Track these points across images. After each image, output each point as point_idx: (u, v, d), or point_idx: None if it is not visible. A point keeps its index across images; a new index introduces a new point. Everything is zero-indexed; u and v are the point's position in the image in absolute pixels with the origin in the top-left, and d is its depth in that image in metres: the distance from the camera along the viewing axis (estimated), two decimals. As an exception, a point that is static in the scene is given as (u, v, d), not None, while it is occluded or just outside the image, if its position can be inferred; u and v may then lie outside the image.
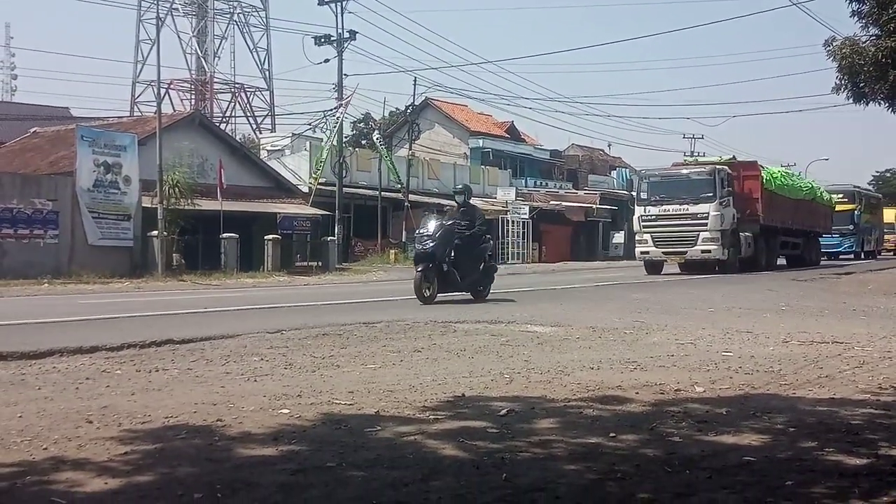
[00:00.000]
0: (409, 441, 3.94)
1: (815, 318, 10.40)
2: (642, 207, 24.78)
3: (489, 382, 5.58)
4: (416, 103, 42.73)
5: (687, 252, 23.88)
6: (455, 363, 6.47)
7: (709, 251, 23.71)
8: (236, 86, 53.04)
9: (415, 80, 41.76)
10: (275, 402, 4.82)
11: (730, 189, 24.37)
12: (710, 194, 23.74)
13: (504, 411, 4.59)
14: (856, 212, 40.66)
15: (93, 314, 10.43)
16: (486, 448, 3.79)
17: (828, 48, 17.29)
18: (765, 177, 26.80)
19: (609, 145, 58.83)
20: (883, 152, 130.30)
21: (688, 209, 24.00)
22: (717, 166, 24.88)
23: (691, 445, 3.88)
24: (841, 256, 40.70)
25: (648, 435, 4.08)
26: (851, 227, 40.46)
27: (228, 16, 51.54)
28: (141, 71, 50.52)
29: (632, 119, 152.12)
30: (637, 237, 25.25)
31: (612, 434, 4.07)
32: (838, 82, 17.34)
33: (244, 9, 52.48)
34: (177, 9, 50.45)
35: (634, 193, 26.59)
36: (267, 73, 53.48)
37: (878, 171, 75.32)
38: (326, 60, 34.78)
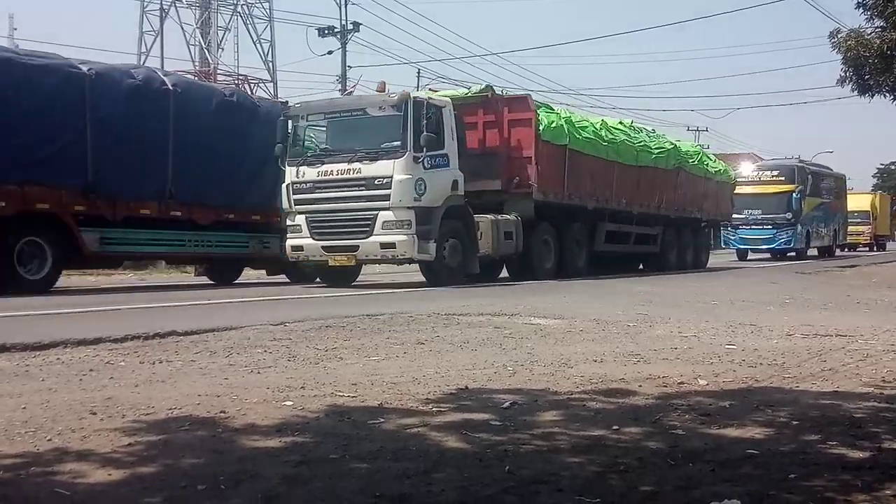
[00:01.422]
0: (412, 433, 3.94)
1: (819, 310, 10.39)
2: (294, 168, 14.59)
3: (492, 375, 5.58)
4: (420, 95, 42.58)
5: (359, 247, 14.12)
6: (458, 355, 6.47)
7: (392, 245, 13.92)
8: (240, 77, 52.92)
9: (418, 72, 41.79)
10: (278, 394, 4.83)
11: (439, 135, 14.23)
12: (398, 144, 13.84)
13: (507, 404, 4.59)
14: (794, 194, 31.29)
15: (96, 305, 10.44)
16: (490, 440, 3.80)
17: (833, 40, 17.26)
18: (544, 122, 16.61)
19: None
20: (888, 145, 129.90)
21: (360, 170, 14.05)
22: (418, 97, 14.61)
23: (694, 438, 3.88)
24: (777, 254, 32.85)
25: (651, 428, 4.08)
26: (789, 215, 31.31)
27: (232, 7, 51.38)
28: (144, 62, 50.34)
29: (636, 111, 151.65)
30: (288, 219, 14.92)
31: (615, 427, 4.07)
32: (843, 74, 17.32)
33: (248, 0, 52.39)
34: (181, 0, 50.40)
35: (280, 144, 14.75)
36: (270, 64, 53.38)
37: (882, 164, 75.13)
38: (330, 52, 34.84)
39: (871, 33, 17.00)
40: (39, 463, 3.40)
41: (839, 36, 17.13)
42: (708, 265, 24.99)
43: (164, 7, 46.19)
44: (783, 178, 32.19)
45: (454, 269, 14.64)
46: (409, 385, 5.16)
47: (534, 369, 5.80)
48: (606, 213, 19.08)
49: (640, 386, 5.19)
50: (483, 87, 17.24)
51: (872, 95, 17.59)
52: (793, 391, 5.10)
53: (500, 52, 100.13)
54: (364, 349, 6.74)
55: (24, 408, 4.43)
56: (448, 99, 15.36)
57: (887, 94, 17.72)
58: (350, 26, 34.45)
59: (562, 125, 17.21)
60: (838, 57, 17.15)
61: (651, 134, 22.42)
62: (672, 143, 22.63)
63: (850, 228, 43.40)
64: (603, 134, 18.93)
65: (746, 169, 33.40)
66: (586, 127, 18.46)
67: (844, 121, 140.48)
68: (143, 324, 7.70)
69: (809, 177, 33.78)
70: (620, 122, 21.05)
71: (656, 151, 21.09)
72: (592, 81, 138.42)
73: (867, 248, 47.47)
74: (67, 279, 16.12)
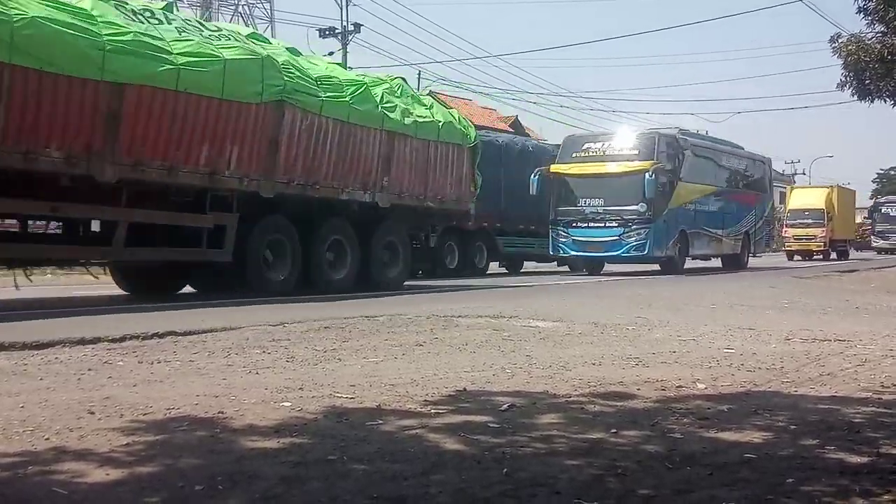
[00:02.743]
0: (410, 435, 3.94)
1: (818, 315, 10.40)
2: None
3: (491, 377, 5.58)
4: (420, 97, 42.60)
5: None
6: (457, 357, 6.47)
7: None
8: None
9: (419, 74, 41.60)
10: (276, 395, 4.83)
11: None
12: None
13: (505, 406, 4.59)
14: (647, 175, 20.23)
15: (94, 304, 10.43)
16: (488, 442, 3.80)
17: (833, 45, 17.27)
18: None
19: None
20: (888, 150, 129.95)
21: None
22: None
23: (692, 442, 3.88)
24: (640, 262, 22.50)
25: (650, 431, 4.08)
26: (641, 206, 20.55)
27: (233, 7, 51.45)
28: (145, 62, 50.41)
29: (636, 114, 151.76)
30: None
31: (613, 430, 4.07)
32: (843, 79, 17.34)
33: (249, 0, 52.40)
34: (181, 0, 50.41)
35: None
36: (271, 65, 53.32)
37: (882, 169, 74.90)
38: (331, 53, 34.72)
39: (871, 38, 17.02)
40: (37, 462, 3.39)
41: (840, 41, 17.15)
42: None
43: (166, 7, 46.12)
44: (636, 153, 21.15)
45: None
46: (408, 387, 5.16)
47: (532, 372, 5.80)
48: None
49: (639, 389, 5.19)
50: None
51: (872, 100, 17.60)
52: (791, 395, 5.10)
53: (501, 54, 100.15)
54: (363, 350, 6.74)
55: (23, 407, 4.43)
56: None
57: (887, 99, 17.73)
58: (351, 27, 34.48)
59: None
60: (839, 61, 17.17)
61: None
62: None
63: (796, 232, 37.82)
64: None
65: (574, 143, 22.42)
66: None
67: (844, 126, 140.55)
68: (141, 324, 7.70)
69: (685, 153, 22.56)
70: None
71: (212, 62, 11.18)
72: (592, 85, 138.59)
73: (821, 257, 37.82)
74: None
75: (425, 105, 15.87)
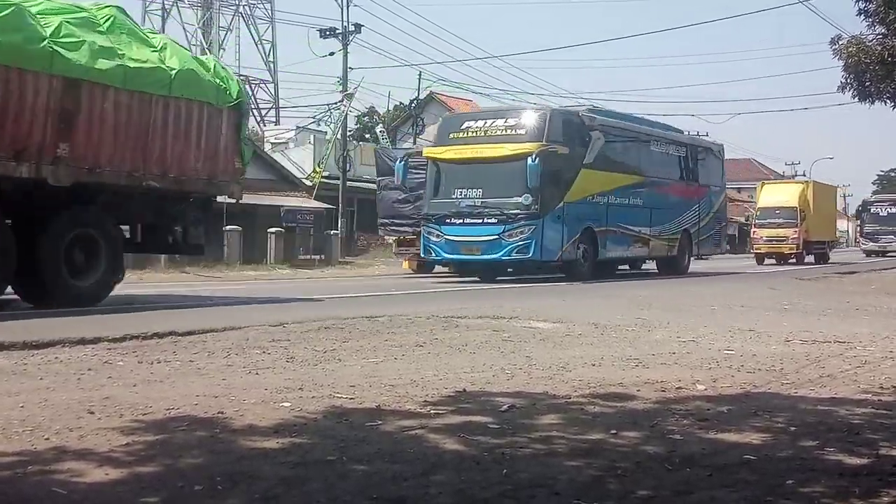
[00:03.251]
0: (410, 435, 3.94)
1: (818, 317, 10.39)
2: None
3: (491, 378, 5.58)
4: (421, 97, 42.68)
5: None
6: (457, 358, 6.47)
7: None
8: (241, 78, 52.94)
9: (419, 75, 41.55)
10: (276, 395, 4.83)
11: None
12: None
13: (505, 407, 4.59)
14: (531, 161, 16.69)
15: (94, 305, 10.43)
16: (487, 443, 3.80)
17: (834, 46, 17.27)
18: None
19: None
20: (889, 152, 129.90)
21: None
22: None
23: (692, 443, 3.88)
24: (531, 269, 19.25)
25: (649, 432, 4.08)
26: (527, 199, 16.93)
27: (234, 7, 51.47)
28: (146, 62, 50.43)
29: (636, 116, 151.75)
30: None
31: (613, 431, 4.07)
32: (844, 81, 17.33)
33: (250, 1, 52.44)
34: (182, 0, 50.43)
35: None
36: (272, 65, 53.44)
37: (882, 171, 74.82)
38: (331, 53, 34.76)
39: (872, 40, 17.01)
40: (37, 462, 3.40)
41: (840, 42, 17.14)
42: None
43: (166, 7, 46.24)
44: (522, 133, 17.24)
45: None
46: (408, 387, 5.16)
47: (532, 373, 5.80)
48: None
49: (639, 390, 5.19)
50: None
51: (873, 102, 17.60)
52: (791, 397, 5.10)
53: (501, 55, 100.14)
54: (363, 351, 6.74)
55: (23, 407, 4.43)
56: None
57: (888, 101, 17.73)
58: (352, 28, 34.42)
59: None
60: (839, 63, 17.17)
61: None
62: None
63: (766, 232, 33.62)
64: None
65: (452, 122, 19.04)
66: None
67: (845, 128, 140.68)
68: (142, 324, 7.70)
69: (592, 134, 18.41)
70: None
71: None
72: (592, 86, 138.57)
73: (795, 261, 33.26)
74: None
75: (152, 46, 11.26)
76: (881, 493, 3.15)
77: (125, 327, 7.35)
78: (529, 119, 17.89)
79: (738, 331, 8.40)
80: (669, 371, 5.94)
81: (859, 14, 16.83)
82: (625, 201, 19.96)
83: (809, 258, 34.78)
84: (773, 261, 33.77)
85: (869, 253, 45.15)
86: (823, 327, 8.87)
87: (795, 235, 33.40)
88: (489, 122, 18.03)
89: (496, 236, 17.15)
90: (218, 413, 4.34)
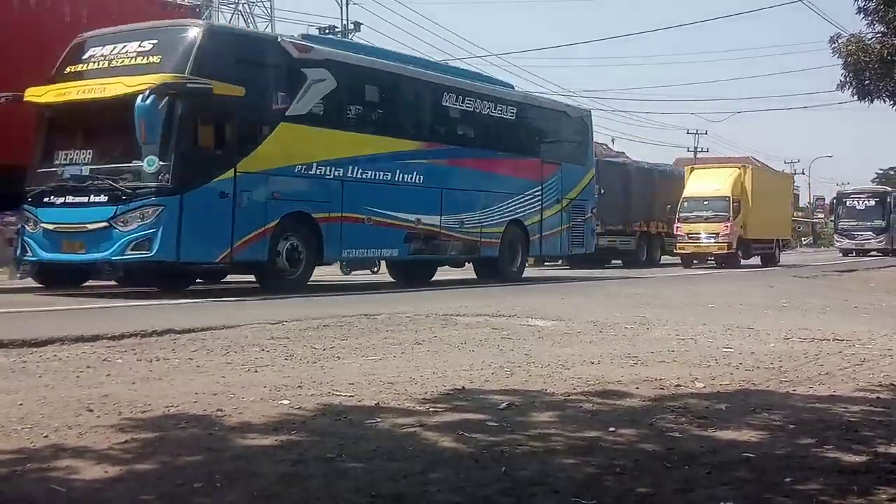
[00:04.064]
0: (408, 433, 3.94)
1: (817, 314, 10.40)
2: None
3: (489, 376, 5.59)
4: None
5: None
6: (456, 356, 6.47)
7: None
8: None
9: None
10: (275, 393, 4.83)
11: None
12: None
13: (504, 405, 4.59)
14: (145, 101, 10.51)
15: (93, 302, 10.43)
16: (486, 441, 3.80)
17: (833, 45, 17.28)
18: None
19: (612, 140, 58.58)
20: (888, 150, 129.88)
21: None
22: None
23: (690, 441, 3.89)
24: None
25: (648, 430, 4.09)
26: (151, 164, 10.81)
27: (233, 6, 51.40)
28: (145, 60, 50.35)
29: (635, 114, 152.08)
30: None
31: (611, 429, 4.07)
32: (843, 79, 17.35)
33: (249, -1, 52.31)
34: (181, -2, 50.32)
35: None
36: (271, 63, 53.30)
37: (881, 169, 74.52)
38: (330, 51, 34.72)
39: (871, 38, 17.02)
40: (35, 459, 3.40)
41: (840, 41, 17.15)
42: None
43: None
44: (158, 60, 11.53)
45: None
46: (407, 385, 5.16)
47: (531, 370, 5.81)
48: None
49: (637, 388, 5.19)
50: None
51: (872, 100, 17.61)
52: (789, 395, 5.11)
53: (501, 53, 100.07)
54: (361, 349, 6.74)
55: (21, 404, 4.43)
56: None
57: (887, 99, 17.74)
58: (351, 26, 34.43)
59: None
60: (839, 62, 17.18)
61: None
62: None
63: (691, 228, 27.54)
64: None
65: (77, 50, 12.23)
66: None
67: (844, 126, 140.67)
68: (140, 321, 7.70)
69: (308, 73, 12.97)
70: None
71: None
72: (592, 84, 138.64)
73: (721, 264, 27.43)
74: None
75: None
76: (879, 490, 3.16)
77: (124, 325, 7.34)
78: (171, 39, 11.75)
79: (737, 328, 8.41)
80: (668, 369, 5.95)
81: (858, 12, 16.85)
82: (385, 176, 14.07)
83: (756, 260, 29.68)
84: (712, 261, 28.34)
85: (846, 252, 40.53)
86: (822, 325, 8.87)
87: (727, 232, 27.01)
88: (120, 46, 11.76)
89: (105, 223, 11.06)
90: (217, 411, 4.34)
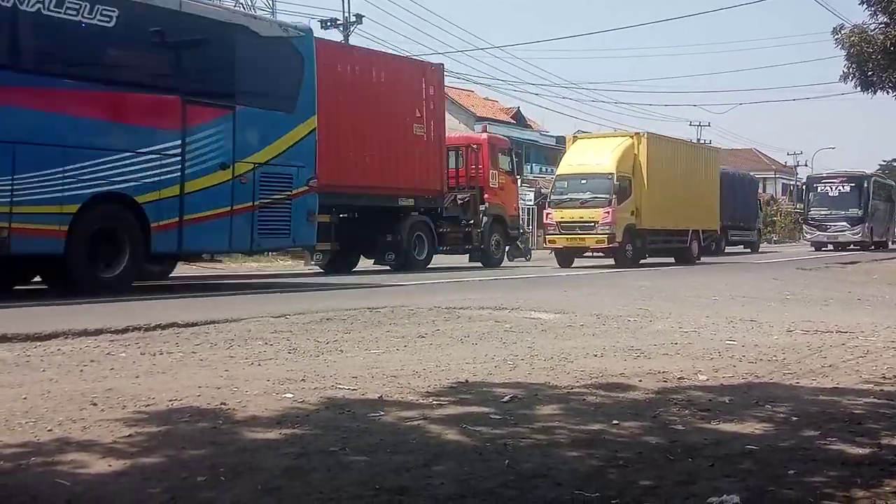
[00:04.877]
0: (412, 426, 3.94)
1: (820, 307, 10.39)
2: None
3: (493, 369, 5.59)
4: (422, 88, 42.29)
5: None
6: (459, 349, 6.48)
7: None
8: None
9: (420, 65, 41.32)
10: (278, 387, 4.84)
11: None
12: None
13: (507, 397, 4.60)
14: None
15: (97, 296, 10.44)
16: (489, 434, 3.80)
17: (836, 36, 17.24)
18: None
19: (615, 132, 58.43)
20: (891, 141, 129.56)
21: None
22: None
23: (694, 433, 3.89)
24: None
25: (651, 422, 4.09)
26: None
27: (234, -2, 51.19)
28: (146, 53, 50.24)
29: (638, 106, 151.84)
30: None
31: (614, 421, 4.07)
32: (846, 71, 17.31)
33: (250, -9, 52.10)
34: (182, -9, 50.06)
35: None
36: (273, 56, 53.19)
37: (885, 160, 74.13)
38: (332, 44, 34.62)
39: (874, 29, 16.98)
40: (40, 453, 3.40)
41: (843, 32, 17.10)
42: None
43: (167, -2, 45.76)
44: None
45: None
46: (410, 378, 5.17)
47: (534, 363, 5.81)
48: None
49: (640, 381, 5.19)
50: None
51: (875, 91, 17.58)
52: (793, 387, 5.11)
53: (503, 45, 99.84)
54: (365, 342, 6.75)
55: (25, 398, 4.44)
56: None
57: (890, 91, 17.70)
58: (353, 19, 34.34)
59: None
60: (842, 53, 17.13)
61: None
62: None
63: (563, 216, 20.93)
64: None
65: None
66: None
67: (847, 117, 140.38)
68: (144, 315, 7.71)
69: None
70: None
71: None
72: (595, 76, 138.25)
73: (613, 259, 21.40)
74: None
75: None
76: (883, 482, 3.15)
77: (127, 319, 7.35)
78: None
79: (741, 321, 8.40)
80: (671, 361, 5.95)
81: (861, 3, 16.79)
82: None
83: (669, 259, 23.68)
84: (604, 254, 21.63)
85: (818, 245, 35.82)
86: (825, 317, 8.86)
87: (608, 219, 20.28)
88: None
89: None
90: (220, 404, 4.34)
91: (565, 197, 21.33)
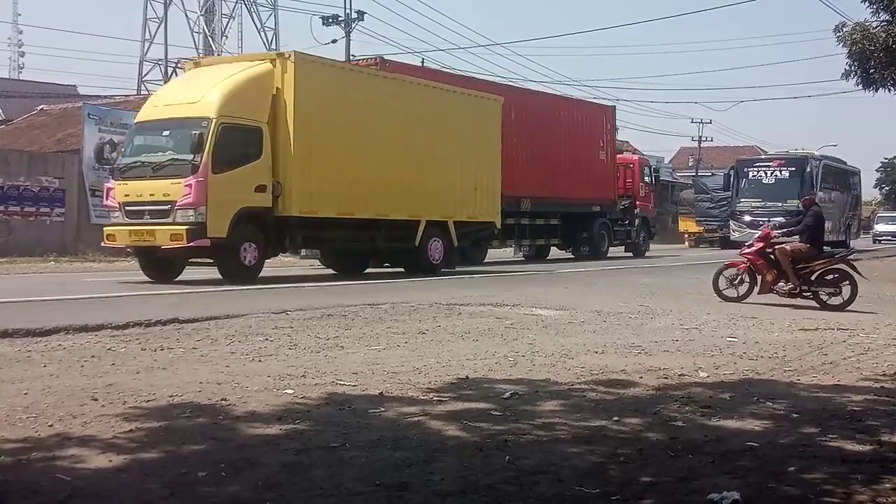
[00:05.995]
0: (412, 422, 3.95)
1: (821, 304, 10.37)
2: None
3: (493, 365, 5.59)
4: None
5: None
6: (459, 345, 6.48)
7: None
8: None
9: (422, 62, 41.24)
10: (279, 383, 4.84)
11: None
12: None
13: (508, 394, 4.60)
14: None
15: (98, 292, 10.44)
16: (490, 430, 3.80)
17: (838, 34, 17.18)
18: None
19: (616, 129, 58.34)
20: (893, 139, 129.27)
21: None
22: None
23: (694, 430, 3.89)
24: None
25: (652, 419, 4.09)
26: None
27: (236, -5, 51.22)
28: (148, 49, 50.22)
29: (640, 103, 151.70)
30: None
31: (615, 418, 4.08)
32: (848, 68, 17.25)
33: (251, -12, 52.12)
34: (183, -13, 50.06)
35: None
36: (275, 52, 53.22)
37: (886, 158, 73.79)
38: (334, 41, 34.54)
39: (876, 27, 16.92)
40: (41, 448, 3.41)
41: (844, 30, 17.05)
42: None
43: (167, -6, 45.88)
44: None
45: None
46: (410, 374, 5.17)
47: (535, 360, 5.81)
48: None
49: (641, 377, 5.20)
50: None
51: (877, 89, 17.53)
52: (793, 384, 5.11)
53: (505, 42, 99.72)
54: (365, 338, 6.75)
55: (26, 393, 4.44)
56: None
57: (892, 88, 17.65)
58: (354, 15, 34.28)
59: None
60: (844, 50, 17.09)
61: None
62: None
63: (127, 192, 12.23)
64: None
65: None
66: None
67: (849, 114, 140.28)
68: (145, 311, 7.71)
69: None
70: None
71: None
72: (597, 73, 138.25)
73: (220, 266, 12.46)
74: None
75: None
76: (882, 479, 3.15)
77: (128, 315, 7.35)
78: None
79: (741, 318, 8.40)
80: (672, 358, 5.95)
81: (863, 1, 16.74)
82: None
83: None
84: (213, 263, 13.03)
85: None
86: (826, 314, 8.86)
87: (189, 199, 11.73)
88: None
89: None
90: (221, 400, 4.35)
91: (134, 160, 12.72)
